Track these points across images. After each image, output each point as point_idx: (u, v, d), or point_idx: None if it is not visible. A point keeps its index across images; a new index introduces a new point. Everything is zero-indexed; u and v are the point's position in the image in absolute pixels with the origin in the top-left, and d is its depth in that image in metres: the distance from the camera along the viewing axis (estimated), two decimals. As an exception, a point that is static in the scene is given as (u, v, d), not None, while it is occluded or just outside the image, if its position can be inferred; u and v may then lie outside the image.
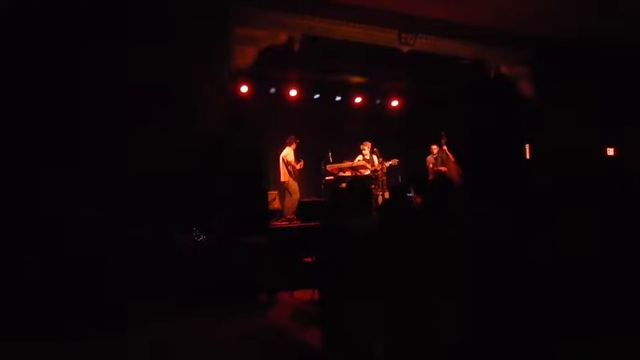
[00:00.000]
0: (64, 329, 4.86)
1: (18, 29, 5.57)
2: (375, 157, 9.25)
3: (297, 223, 7.68)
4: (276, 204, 9.04)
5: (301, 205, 8.32)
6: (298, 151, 9.27)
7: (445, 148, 9.48)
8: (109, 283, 5.45)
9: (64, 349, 4.56)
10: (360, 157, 9.33)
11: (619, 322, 2.53)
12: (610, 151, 9.83)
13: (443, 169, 9.34)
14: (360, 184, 7.84)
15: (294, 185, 8.99)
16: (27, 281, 5.20)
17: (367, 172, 9.07)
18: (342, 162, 9.20)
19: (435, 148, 9.72)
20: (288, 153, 9.02)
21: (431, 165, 9.69)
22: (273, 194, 9.01)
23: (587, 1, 7.52)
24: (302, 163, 9.12)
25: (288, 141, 9.14)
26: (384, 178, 9.12)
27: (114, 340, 4.76)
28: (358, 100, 10.95)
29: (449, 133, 9.48)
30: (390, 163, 9.20)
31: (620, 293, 2.58)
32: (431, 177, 9.44)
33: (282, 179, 9.01)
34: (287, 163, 8.93)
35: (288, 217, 8.39)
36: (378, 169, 9.10)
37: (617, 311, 2.55)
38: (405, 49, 8.31)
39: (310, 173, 9.77)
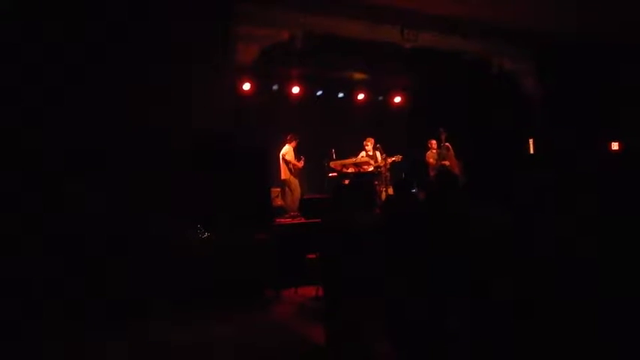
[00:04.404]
0: (64, 329, 4.88)
1: (18, 30, 5.58)
2: (378, 154, 9.24)
3: (301, 220, 7.69)
4: (278, 201, 9.05)
5: (305, 201, 8.32)
6: (301, 148, 9.27)
7: (447, 144, 9.46)
8: (111, 283, 5.47)
9: (65, 348, 4.57)
10: (363, 153, 9.32)
11: (622, 322, 2.53)
12: (615, 146, 9.78)
13: (446, 163, 9.32)
14: (364, 180, 7.86)
15: (294, 182, 9.01)
16: (26, 281, 5.22)
17: (370, 169, 9.07)
18: (345, 158, 9.19)
19: (434, 143, 9.69)
20: (287, 151, 9.03)
21: (432, 160, 9.66)
22: (275, 191, 9.02)
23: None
24: (303, 160, 9.12)
25: (288, 139, 9.15)
26: (387, 174, 9.11)
27: (115, 339, 4.77)
28: (361, 96, 10.93)
29: (448, 129, 9.46)
30: (394, 159, 9.19)
31: (622, 293, 2.57)
32: (432, 173, 9.44)
33: (283, 177, 9.03)
34: (287, 162, 8.95)
35: (291, 214, 8.39)
36: (382, 165, 9.10)
37: (619, 311, 2.55)
38: (408, 45, 8.28)
39: (313, 170, 9.77)
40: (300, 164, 9.09)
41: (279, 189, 9.20)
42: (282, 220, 7.88)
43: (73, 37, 5.84)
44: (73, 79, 5.84)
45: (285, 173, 9.02)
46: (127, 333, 4.93)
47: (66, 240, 5.48)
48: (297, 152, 9.19)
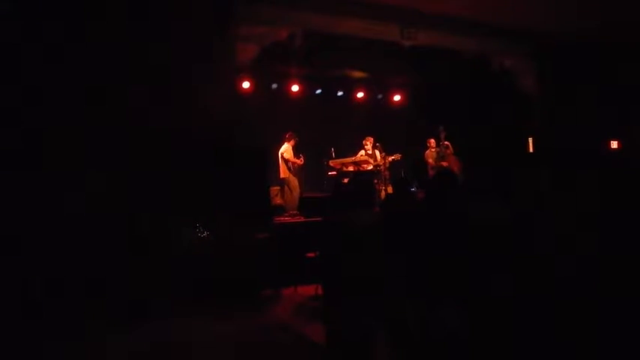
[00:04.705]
0: (63, 329, 4.87)
1: (18, 30, 5.57)
2: (377, 152, 9.24)
3: (300, 219, 7.69)
4: (278, 200, 9.05)
5: (304, 200, 8.33)
6: (300, 147, 9.26)
7: (446, 143, 9.46)
8: (111, 283, 5.47)
9: (64, 348, 4.56)
10: (362, 152, 9.32)
11: (622, 319, 2.53)
12: (614, 144, 9.79)
13: (445, 164, 9.33)
14: (363, 179, 7.86)
15: (294, 181, 8.99)
16: (26, 281, 5.22)
17: (370, 167, 9.08)
18: (344, 157, 9.19)
19: (432, 142, 9.70)
20: (286, 149, 9.01)
21: (431, 160, 9.67)
22: (275, 190, 9.02)
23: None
24: (302, 158, 9.10)
25: (287, 137, 9.13)
26: (387, 173, 9.12)
27: (115, 339, 4.75)
28: (360, 95, 10.93)
29: (447, 127, 9.46)
30: (393, 158, 9.20)
31: (622, 293, 2.57)
32: (432, 172, 9.45)
33: (282, 175, 9.01)
34: (285, 160, 8.93)
35: (290, 212, 8.39)
36: (381, 164, 9.10)
37: (619, 309, 2.55)
38: (408, 43, 8.28)
39: (313, 169, 9.77)
40: (300, 161, 9.08)
41: (278, 188, 9.20)
42: (282, 218, 7.89)
43: (73, 37, 5.83)
44: (73, 79, 5.83)
45: (284, 172, 9.02)
46: (127, 333, 4.93)
47: (66, 240, 5.48)
48: (297, 151, 9.18)
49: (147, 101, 6.08)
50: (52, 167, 5.63)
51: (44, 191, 5.55)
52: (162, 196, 6.08)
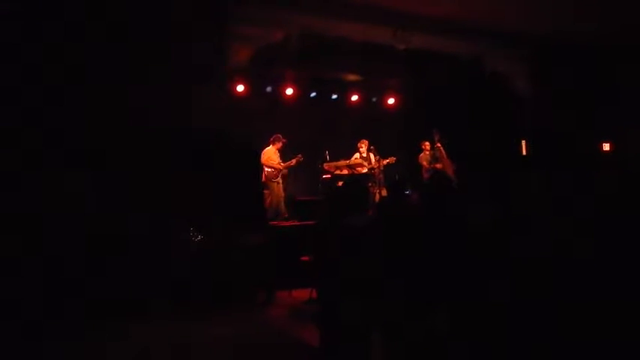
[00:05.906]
0: (62, 329, 4.86)
1: (18, 28, 5.55)
2: (372, 155, 9.24)
3: (295, 222, 7.66)
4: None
5: (299, 203, 8.29)
6: (295, 150, 9.17)
7: (439, 145, 9.47)
8: (108, 283, 5.44)
9: (63, 348, 4.55)
10: (357, 155, 9.32)
11: (618, 322, 2.54)
12: (606, 146, 9.85)
13: (439, 166, 9.35)
14: (357, 182, 7.85)
15: (271, 186, 8.59)
16: (26, 281, 5.19)
17: (364, 170, 9.07)
18: (339, 160, 9.18)
19: (427, 145, 9.71)
20: (264, 153, 8.64)
21: (425, 163, 9.69)
22: (267, 193, 8.94)
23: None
24: (298, 157, 8.85)
25: (271, 140, 8.79)
26: (381, 176, 9.11)
27: (115, 339, 4.76)
28: (354, 98, 10.89)
29: (441, 130, 9.47)
30: (387, 161, 9.20)
31: (618, 293, 2.58)
32: (426, 175, 9.47)
33: (263, 179, 8.65)
34: (263, 164, 8.59)
35: (284, 216, 8.36)
36: (375, 167, 9.10)
37: (615, 312, 2.55)
38: (402, 46, 8.29)
39: (307, 172, 9.74)
40: (280, 165, 8.77)
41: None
42: (276, 222, 7.86)
43: (73, 37, 5.81)
44: (73, 79, 5.81)
45: (263, 175, 8.66)
46: (127, 333, 4.90)
47: (65, 240, 5.45)
48: (288, 153, 9.02)
49: (144, 102, 6.07)
50: (52, 167, 5.61)
51: (44, 191, 5.52)
52: (159, 197, 6.06)
